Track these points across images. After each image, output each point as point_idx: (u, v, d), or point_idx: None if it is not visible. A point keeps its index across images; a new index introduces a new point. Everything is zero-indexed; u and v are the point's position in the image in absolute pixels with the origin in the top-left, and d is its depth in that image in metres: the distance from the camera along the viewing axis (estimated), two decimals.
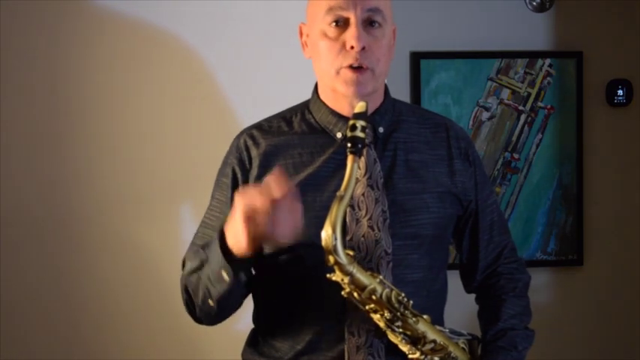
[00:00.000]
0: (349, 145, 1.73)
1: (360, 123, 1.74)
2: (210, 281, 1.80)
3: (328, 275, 1.72)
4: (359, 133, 1.73)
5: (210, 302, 1.83)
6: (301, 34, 1.94)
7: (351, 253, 1.73)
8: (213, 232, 1.92)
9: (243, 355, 1.99)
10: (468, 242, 2.04)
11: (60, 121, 2.82)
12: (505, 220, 2.12)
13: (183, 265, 2.00)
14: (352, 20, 1.82)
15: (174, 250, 2.81)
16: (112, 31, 2.82)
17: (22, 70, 2.80)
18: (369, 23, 1.84)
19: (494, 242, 2.04)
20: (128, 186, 2.84)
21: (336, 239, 1.68)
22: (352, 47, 1.81)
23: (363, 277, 1.72)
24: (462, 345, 1.88)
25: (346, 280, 1.71)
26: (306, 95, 2.00)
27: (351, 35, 1.81)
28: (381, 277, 1.76)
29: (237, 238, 1.71)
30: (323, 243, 1.69)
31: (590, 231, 3.38)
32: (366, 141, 1.87)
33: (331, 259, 1.70)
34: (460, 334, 1.89)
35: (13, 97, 2.80)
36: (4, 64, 2.78)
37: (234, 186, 1.92)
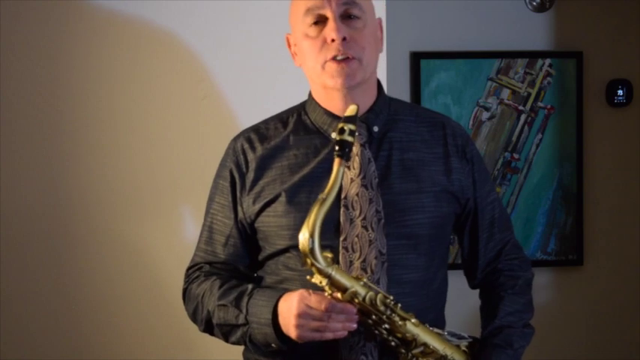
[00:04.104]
0: (336, 148, 1.75)
1: (348, 126, 1.75)
2: (251, 342, 1.85)
3: (308, 277, 1.74)
4: (347, 137, 1.75)
5: (242, 344, 1.90)
6: (289, 44, 1.97)
7: (330, 255, 1.74)
8: (221, 237, 1.97)
9: (244, 354, 2.00)
10: (467, 240, 2.04)
11: (60, 120, 2.82)
12: (507, 217, 2.11)
13: (187, 272, 2.02)
14: (330, 16, 1.85)
15: (174, 248, 2.82)
16: (113, 31, 2.82)
17: (22, 70, 2.80)
18: (347, 17, 1.86)
19: (495, 240, 2.03)
20: (128, 185, 2.84)
21: (313, 242, 1.70)
22: (333, 40, 1.83)
23: (343, 279, 1.74)
24: (464, 348, 1.87)
25: (324, 282, 1.73)
26: (305, 95, 2.01)
27: (330, 29, 1.84)
28: (365, 279, 1.76)
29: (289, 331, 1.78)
30: (300, 246, 1.71)
31: (590, 231, 3.38)
32: (361, 141, 1.89)
33: (308, 261, 1.72)
34: (461, 337, 1.88)
35: (13, 96, 2.80)
36: (4, 64, 2.79)
37: (233, 189, 1.95)
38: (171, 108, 2.86)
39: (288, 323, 1.76)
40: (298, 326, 1.74)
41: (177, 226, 2.89)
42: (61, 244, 2.84)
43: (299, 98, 2.03)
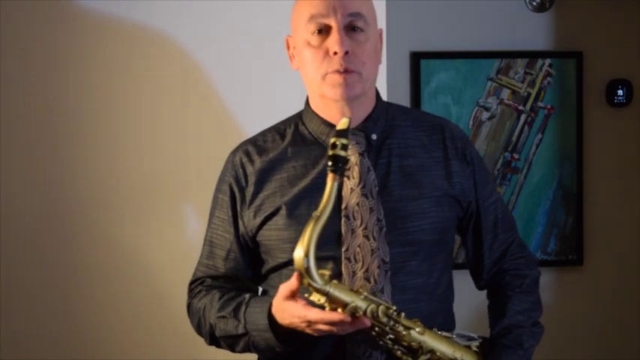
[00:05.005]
0: (329, 163, 1.74)
1: (340, 141, 1.74)
2: (256, 349, 1.86)
3: (306, 295, 1.73)
4: (339, 152, 1.73)
5: (250, 352, 1.90)
6: (288, 46, 1.95)
7: (327, 273, 1.72)
8: (222, 251, 1.97)
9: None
10: (471, 242, 2.03)
11: (58, 121, 2.82)
12: (511, 217, 2.10)
13: (190, 287, 2.02)
14: (334, 26, 1.83)
15: (171, 250, 2.82)
16: (110, 33, 2.82)
17: (20, 71, 2.80)
18: (351, 28, 1.85)
19: (499, 240, 2.02)
20: (126, 187, 2.84)
21: (308, 262, 1.68)
22: (335, 53, 1.82)
23: (342, 295, 1.71)
24: (475, 348, 1.86)
25: (322, 300, 1.71)
26: (303, 96, 2.00)
27: (333, 41, 1.82)
28: (365, 293, 1.75)
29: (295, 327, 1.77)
30: (295, 265, 1.70)
31: (590, 231, 3.38)
32: (360, 150, 1.89)
33: (305, 281, 1.70)
34: (471, 338, 1.87)
35: (11, 97, 2.80)
36: (3, 65, 2.79)
37: (233, 203, 1.95)
38: (169, 109, 2.86)
39: (300, 327, 1.76)
40: (312, 331, 1.75)
41: (175, 227, 2.89)
42: (58, 245, 2.84)
43: (298, 98, 2.02)
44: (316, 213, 1.71)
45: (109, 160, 2.85)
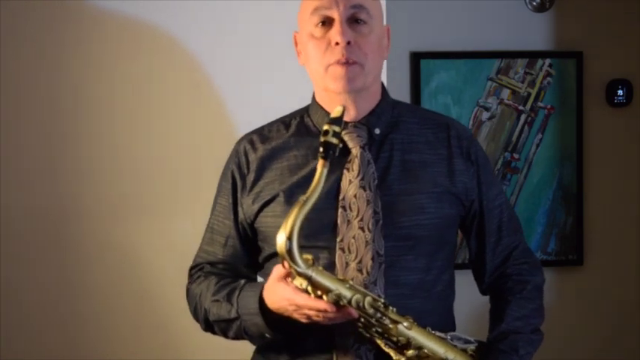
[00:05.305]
0: (320, 149, 1.75)
1: (333, 128, 1.76)
2: (247, 335, 1.87)
3: (289, 279, 1.74)
4: (330, 139, 1.75)
5: (242, 339, 1.91)
6: (296, 42, 1.97)
7: (310, 257, 1.73)
8: (221, 238, 1.98)
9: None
10: (474, 244, 2.02)
11: (56, 122, 2.83)
12: (516, 220, 2.08)
13: (190, 272, 2.04)
14: (336, 18, 1.85)
15: (169, 251, 2.83)
16: (112, 33, 2.83)
17: (22, 71, 2.82)
18: (354, 21, 1.86)
19: (503, 244, 2.01)
20: (124, 187, 2.85)
21: (290, 244, 1.69)
22: (337, 43, 1.84)
23: (325, 281, 1.72)
24: (471, 352, 1.85)
25: (304, 284, 1.72)
26: (304, 95, 2.01)
27: (335, 32, 1.85)
28: (351, 282, 1.75)
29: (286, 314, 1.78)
30: (277, 248, 1.71)
31: (590, 231, 3.37)
32: (361, 143, 1.90)
33: (286, 264, 1.71)
34: (467, 341, 1.86)
35: (12, 97, 2.81)
36: (4, 64, 2.79)
37: (234, 190, 1.96)
38: (170, 110, 2.87)
39: (289, 312, 1.77)
40: (299, 315, 1.76)
41: (173, 228, 2.89)
42: (56, 245, 2.84)
43: (298, 99, 2.04)
44: (303, 197, 1.72)
45: (109, 161, 2.86)
